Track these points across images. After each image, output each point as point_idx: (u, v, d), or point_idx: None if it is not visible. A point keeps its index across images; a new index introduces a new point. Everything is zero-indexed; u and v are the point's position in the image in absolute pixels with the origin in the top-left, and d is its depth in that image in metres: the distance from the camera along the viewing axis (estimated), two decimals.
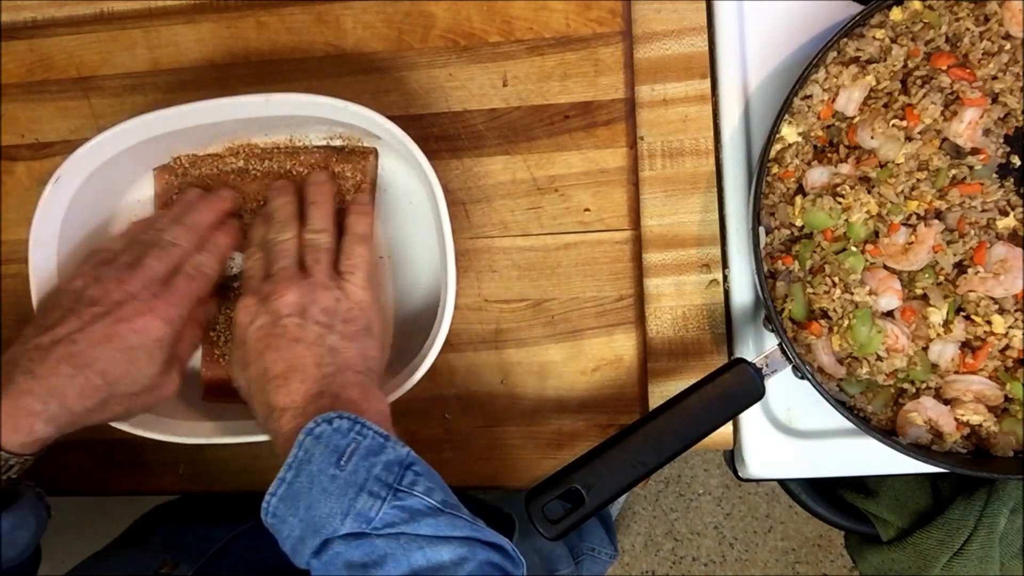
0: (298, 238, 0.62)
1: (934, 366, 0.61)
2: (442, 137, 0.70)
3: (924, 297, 0.62)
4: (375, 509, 0.49)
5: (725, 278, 0.67)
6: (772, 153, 0.63)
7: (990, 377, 0.60)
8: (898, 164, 0.61)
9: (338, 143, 0.70)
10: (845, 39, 0.62)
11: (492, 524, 0.54)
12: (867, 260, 0.61)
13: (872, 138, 0.61)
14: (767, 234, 0.64)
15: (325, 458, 0.50)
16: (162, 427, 0.65)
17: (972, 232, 0.61)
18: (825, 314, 0.61)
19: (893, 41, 0.61)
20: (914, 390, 0.61)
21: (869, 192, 0.61)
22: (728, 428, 0.66)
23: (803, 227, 0.63)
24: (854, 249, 0.61)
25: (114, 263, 0.60)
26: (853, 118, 0.62)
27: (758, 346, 0.67)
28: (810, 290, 0.61)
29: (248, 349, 0.57)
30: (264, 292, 0.58)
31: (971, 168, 0.61)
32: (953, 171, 0.61)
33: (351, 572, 0.48)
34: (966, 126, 0.60)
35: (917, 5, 0.61)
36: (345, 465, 0.50)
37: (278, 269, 0.60)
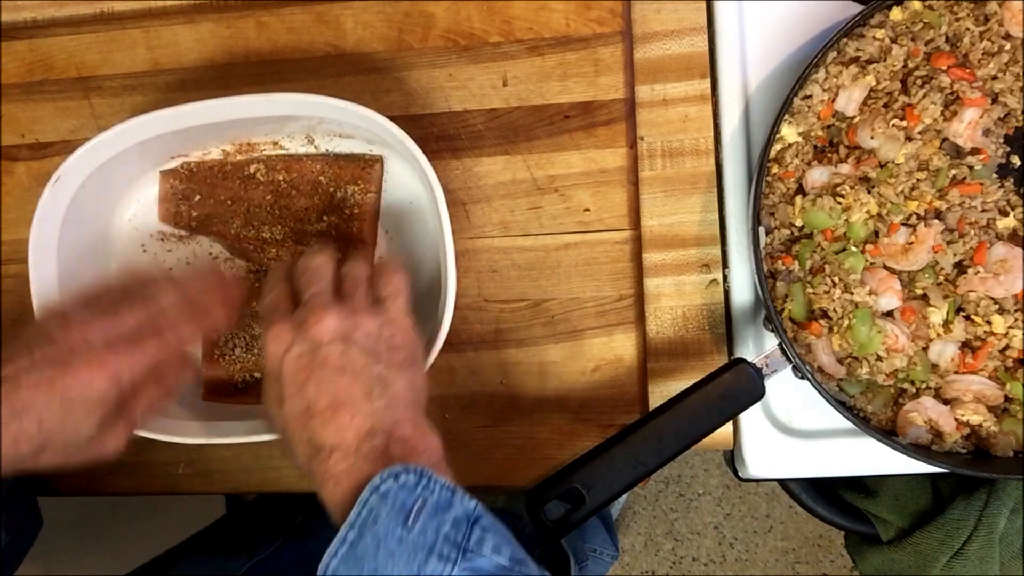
0: (332, 265, 0.58)
1: (934, 366, 0.61)
2: (442, 137, 0.70)
3: (924, 297, 0.62)
4: (445, 572, 0.46)
5: (725, 278, 0.67)
6: (772, 153, 0.63)
7: (990, 377, 0.60)
8: (898, 164, 0.61)
9: (343, 150, 0.70)
10: (845, 39, 0.62)
11: (548, 561, 0.52)
12: (867, 260, 0.61)
13: (872, 138, 0.61)
14: (767, 234, 0.64)
15: (392, 518, 0.47)
16: (162, 427, 0.65)
17: (972, 232, 0.61)
18: (825, 314, 0.61)
19: (893, 41, 0.61)
20: (914, 390, 0.61)
21: (869, 192, 0.61)
22: (728, 428, 0.66)
23: (803, 227, 0.63)
24: (854, 249, 0.61)
25: (93, 306, 0.55)
26: (853, 118, 0.62)
27: (758, 346, 0.67)
28: (810, 290, 0.61)
29: (285, 382, 0.53)
30: (298, 318, 0.54)
31: (971, 168, 0.61)
32: (953, 171, 0.61)
33: None
34: (966, 126, 0.60)
35: (917, 5, 0.61)
36: (413, 525, 0.47)
37: (311, 295, 0.55)
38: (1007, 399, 0.60)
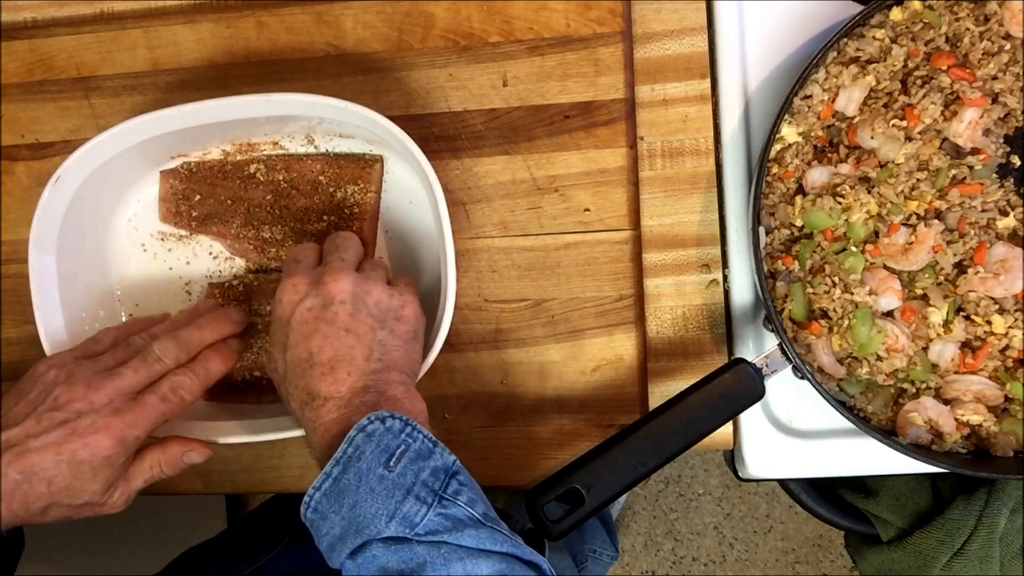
0: (360, 247, 0.61)
1: (934, 366, 0.61)
2: (442, 137, 0.70)
3: (924, 297, 0.62)
4: (420, 514, 0.49)
5: (725, 278, 0.67)
6: (772, 153, 0.63)
7: (990, 377, 0.60)
8: (898, 164, 0.61)
9: (343, 150, 0.70)
10: (845, 39, 0.62)
11: (526, 541, 0.53)
12: (867, 260, 0.61)
13: (872, 138, 0.61)
14: (767, 234, 0.64)
15: (375, 457, 0.50)
16: (162, 427, 0.65)
17: (972, 232, 0.61)
18: (825, 314, 0.61)
19: (893, 41, 0.61)
20: (914, 390, 0.61)
21: (869, 192, 0.61)
22: (728, 428, 0.66)
23: (803, 227, 0.63)
24: (854, 249, 0.61)
25: (95, 362, 0.58)
26: (853, 118, 0.62)
27: (758, 346, 0.67)
28: (810, 290, 0.61)
29: (292, 330, 0.55)
30: (316, 274, 0.57)
31: (971, 168, 0.61)
32: (953, 171, 0.61)
33: None
34: (966, 126, 0.60)
35: (917, 5, 0.61)
36: (394, 467, 0.49)
37: (334, 258, 0.59)
38: (1007, 399, 0.60)
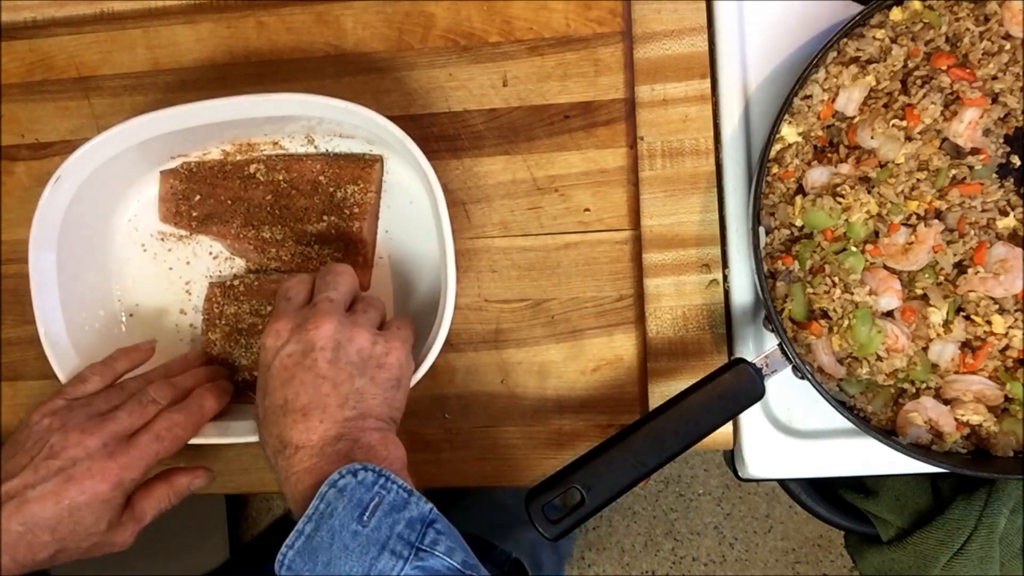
0: (355, 282, 0.60)
1: (934, 366, 0.61)
2: (442, 137, 0.70)
3: (924, 297, 0.62)
4: (396, 569, 0.48)
5: (725, 278, 0.67)
6: (772, 153, 0.63)
7: (990, 377, 0.60)
8: (898, 164, 0.61)
9: (343, 150, 0.70)
10: (845, 39, 0.62)
11: (512, 573, 0.53)
12: (867, 260, 0.61)
13: (872, 138, 0.61)
14: (767, 234, 0.64)
15: (348, 512, 0.49)
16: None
17: (972, 232, 0.61)
18: (825, 314, 0.61)
19: (893, 41, 0.61)
20: (914, 390, 0.61)
21: (869, 192, 0.61)
22: (728, 428, 0.66)
23: (803, 227, 0.63)
24: (854, 249, 0.61)
25: (88, 407, 0.59)
26: (853, 118, 0.62)
27: (758, 346, 0.67)
28: (810, 290, 0.61)
29: (271, 376, 0.55)
30: (300, 317, 0.56)
31: (971, 168, 0.61)
32: (953, 171, 0.61)
33: None
34: (966, 126, 0.60)
35: (917, 5, 0.61)
36: (368, 521, 0.49)
37: (323, 298, 0.57)
38: (1007, 399, 0.60)
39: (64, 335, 0.66)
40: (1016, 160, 0.62)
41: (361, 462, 0.51)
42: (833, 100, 0.62)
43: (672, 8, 0.67)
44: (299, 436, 0.53)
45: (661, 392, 0.66)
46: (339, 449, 0.52)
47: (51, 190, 0.64)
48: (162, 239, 0.72)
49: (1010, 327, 0.60)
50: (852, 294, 0.60)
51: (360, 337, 0.56)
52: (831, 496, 0.77)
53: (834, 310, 0.61)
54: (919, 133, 0.61)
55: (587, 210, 0.68)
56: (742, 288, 0.67)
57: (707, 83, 0.67)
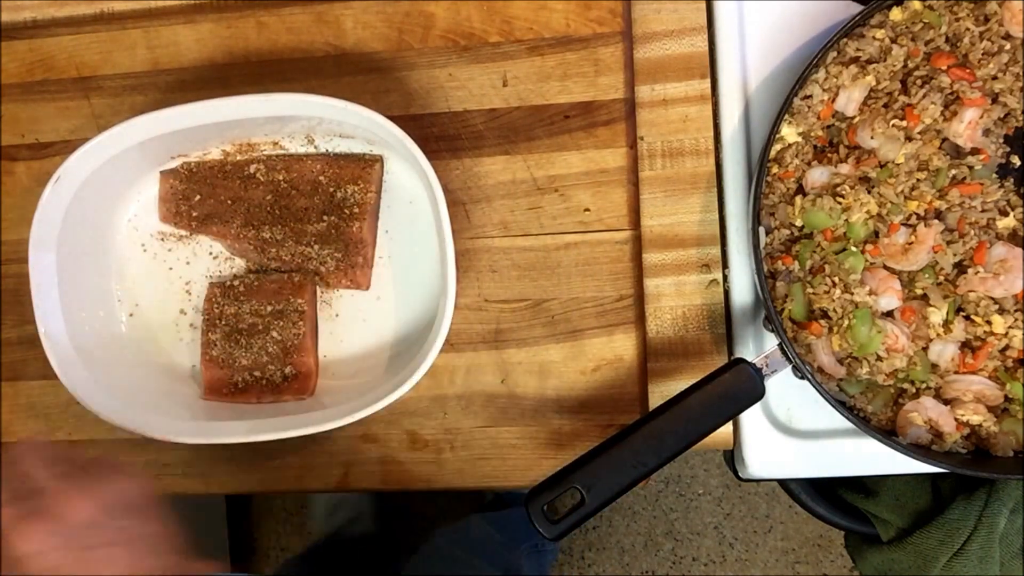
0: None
1: (934, 366, 0.61)
2: (442, 137, 0.70)
3: (924, 297, 0.62)
4: None
5: (725, 278, 0.67)
6: (772, 153, 0.63)
7: (990, 377, 0.60)
8: (898, 164, 0.61)
9: (343, 150, 0.70)
10: (845, 39, 0.62)
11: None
12: (867, 260, 0.61)
13: (872, 138, 0.61)
14: (767, 234, 0.64)
15: None
16: (162, 427, 0.65)
17: (972, 232, 0.61)
18: (825, 314, 0.61)
19: (893, 41, 0.61)
20: (914, 390, 0.61)
21: (869, 192, 0.61)
22: (728, 428, 0.66)
23: (803, 227, 0.63)
24: (854, 249, 0.61)
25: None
26: (853, 118, 0.62)
27: (758, 346, 0.67)
28: (810, 290, 0.61)
29: None
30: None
31: (971, 168, 0.61)
32: (953, 171, 0.61)
33: None
34: (966, 126, 0.60)
35: (917, 5, 0.61)
36: None
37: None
38: (1007, 399, 0.60)
39: (64, 335, 0.66)
40: (1016, 160, 0.62)
41: None
42: (833, 100, 0.62)
43: (672, 8, 0.67)
44: None
45: (661, 392, 0.66)
46: None
47: (51, 190, 0.64)
48: (162, 239, 0.72)
49: (1010, 327, 0.60)
50: (852, 294, 0.60)
51: (72, 515, 0.48)
52: (831, 496, 0.77)
53: (834, 310, 0.61)
54: (919, 133, 0.61)
55: (587, 210, 0.68)
56: (742, 288, 0.67)
57: (707, 83, 0.67)
